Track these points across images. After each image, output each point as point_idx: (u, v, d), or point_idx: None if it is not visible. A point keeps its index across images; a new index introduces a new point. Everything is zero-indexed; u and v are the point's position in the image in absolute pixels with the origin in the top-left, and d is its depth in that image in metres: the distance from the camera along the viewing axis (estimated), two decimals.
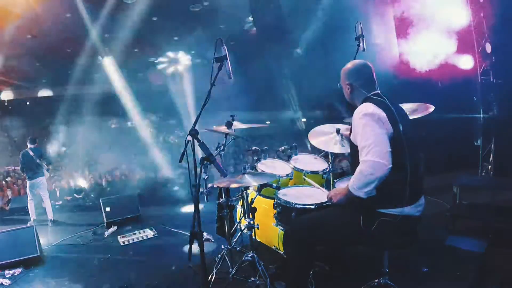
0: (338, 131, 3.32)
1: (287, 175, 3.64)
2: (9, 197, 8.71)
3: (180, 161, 2.32)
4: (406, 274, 3.08)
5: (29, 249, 4.45)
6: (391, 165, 2.12)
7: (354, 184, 2.21)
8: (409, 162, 2.20)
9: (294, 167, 3.66)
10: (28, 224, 5.90)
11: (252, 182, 2.98)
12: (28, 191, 6.60)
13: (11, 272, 4.18)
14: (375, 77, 2.43)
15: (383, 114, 2.18)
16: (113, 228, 5.67)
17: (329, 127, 3.45)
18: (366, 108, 2.22)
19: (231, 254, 3.44)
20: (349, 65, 2.48)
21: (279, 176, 3.49)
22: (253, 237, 3.21)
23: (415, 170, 2.24)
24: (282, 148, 4.04)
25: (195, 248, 2.25)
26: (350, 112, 2.52)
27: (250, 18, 9.37)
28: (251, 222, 3.15)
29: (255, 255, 3.10)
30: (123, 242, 5.06)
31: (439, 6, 6.31)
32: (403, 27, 6.86)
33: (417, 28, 6.54)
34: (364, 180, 2.15)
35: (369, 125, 2.17)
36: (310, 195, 3.11)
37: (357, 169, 2.19)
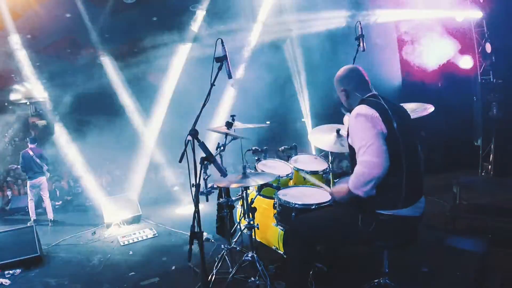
0: (338, 131, 3.32)
1: (287, 175, 3.64)
2: (9, 197, 8.71)
3: (180, 161, 2.32)
4: (406, 274, 3.08)
5: (29, 249, 4.45)
6: (388, 164, 2.12)
7: (353, 183, 2.23)
8: (405, 162, 2.20)
9: (294, 167, 3.66)
10: (28, 224, 5.90)
11: (252, 182, 2.98)
12: (28, 191, 6.60)
13: (11, 272, 4.18)
14: (367, 78, 2.44)
15: (376, 114, 2.18)
16: (113, 228, 5.67)
17: (329, 127, 3.45)
18: (359, 109, 2.24)
19: (231, 254, 3.44)
20: (339, 72, 2.50)
21: (279, 176, 3.49)
22: (253, 237, 3.21)
23: (413, 170, 2.23)
24: (282, 148, 4.05)
25: (195, 248, 2.25)
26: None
27: None
28: (251, 222, 3.15)
29: (255, 255, 3.10)
30: (123, 242, 5.06)
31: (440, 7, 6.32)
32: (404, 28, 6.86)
33: (418, 29, 6.54)
34: (363, 179, 2.17)
35: (362, 125, 2.18)
36: (310, 195, 3.11)
37: (355, 169, 2.22)
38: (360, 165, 2.17)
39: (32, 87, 9.09)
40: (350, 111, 2.45)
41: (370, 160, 2.13)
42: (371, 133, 2.15)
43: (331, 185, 3.53)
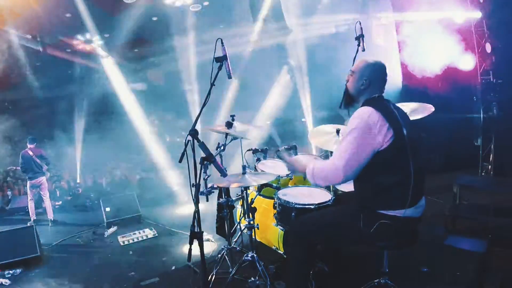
0: (338, 131, 3.32)
1: (287, 175, 3.64)
2: (9, 197, 8.71)
3: (180, 161, 2.32)
4: (406, 274, 3.09)
5: (29, 249, 4.46)
6: (354, 178, 2.19)
7: (314, 173, 2.24)
8: (412, 166, 2.20)
9: None
10: (28, 224, 5.90)
11: (252, 182, 2.98)
12: (28, 191, 6.60)
13: (11, 272, 4.19)
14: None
15: (380, 122, 2.12)
16: (113, 228, 5.67)
17: (330, 127, 3.45)
18: (367, 115, 2.16)
19: (231, 254, 3.44)
20: (372, 60, 2.37)
21: (279, 176, 3.49)
22: (253, 237, 3.21)
23: (418, 173, 2.23)
24: (282, 148, 4.04)
25: (195, 248, 2.25)
26: (345, 103, 2.50)
27: None
28: (251, 222, 3.15)
29: (255, 255, 3.11)
30: (123, 242, 5.06)
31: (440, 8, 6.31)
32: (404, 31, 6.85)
33: (418, 31, 6.54)
34: (321, 176, 2.21)
35: (359, 134, 2.12)
36: (310, 195, 3.11)
37: (326, 163, 2.22)
38: (331, 164, 2.18)
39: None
40: (353, 97, 2.41)
41: (337, 167, 2.13)
42: (360, 147, 2.12)
43: (330, 185, 3.53)
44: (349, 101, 2.46)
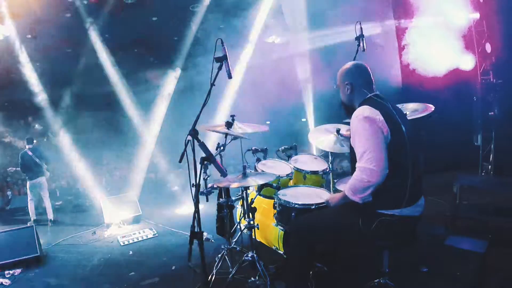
0: (338, 131, 3.32)
1: (287, 175, 3.64)
2: (9, 197, 8.71)
3: (180, 161, 2.33)
4: (406, 274, 3.08)
5: (29, 249, 4.46)
6: (386, 171, 2.13)
7: (350, 189, 2.24)
8: (410, 164, 2.21)
9: (294, 167, 3.66)
10: (28, 224, 5.90)
11: (252, 182, 2.98)
12: (28, 191, 6.60)
13: (11, 272, 4.19)
14: (373, 79, 2.43)
15: (380, 117, 2.17)
16: (113, 228, 5.67)
17: (330, 127, 3.45)
18: (362, 112, 2.21)
19: (231, 254, 3.45)
20: (347, 65, 2.46)
21: (279, 176, 3.49)
22: (253, 237, 3.21)
23: (415, 171, 2.24)
24: (282, 148, 4.05)
25: (195, 248, 2.25)
26: (346, 115, 2.53)
27: None
28: (251, 222, 3.15)
29: (255, 255, 3.10)
30: (123, 242, 5.06)
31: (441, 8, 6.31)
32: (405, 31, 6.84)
33: (419, 32, 6.53)
34: (360, 186, 2.18)
35: (365, 129, 2.16)
36: (310, 195, 3.11)
37: (354, 175, 2.22)
38: (359, 171, 2.17)
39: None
40: (349, 106, 2.45)
41: (369, 167, 2.12)
42: (373, 140, 2.14)
43: (331, 185, 3.53)
44: (347, 110, 2.51)
